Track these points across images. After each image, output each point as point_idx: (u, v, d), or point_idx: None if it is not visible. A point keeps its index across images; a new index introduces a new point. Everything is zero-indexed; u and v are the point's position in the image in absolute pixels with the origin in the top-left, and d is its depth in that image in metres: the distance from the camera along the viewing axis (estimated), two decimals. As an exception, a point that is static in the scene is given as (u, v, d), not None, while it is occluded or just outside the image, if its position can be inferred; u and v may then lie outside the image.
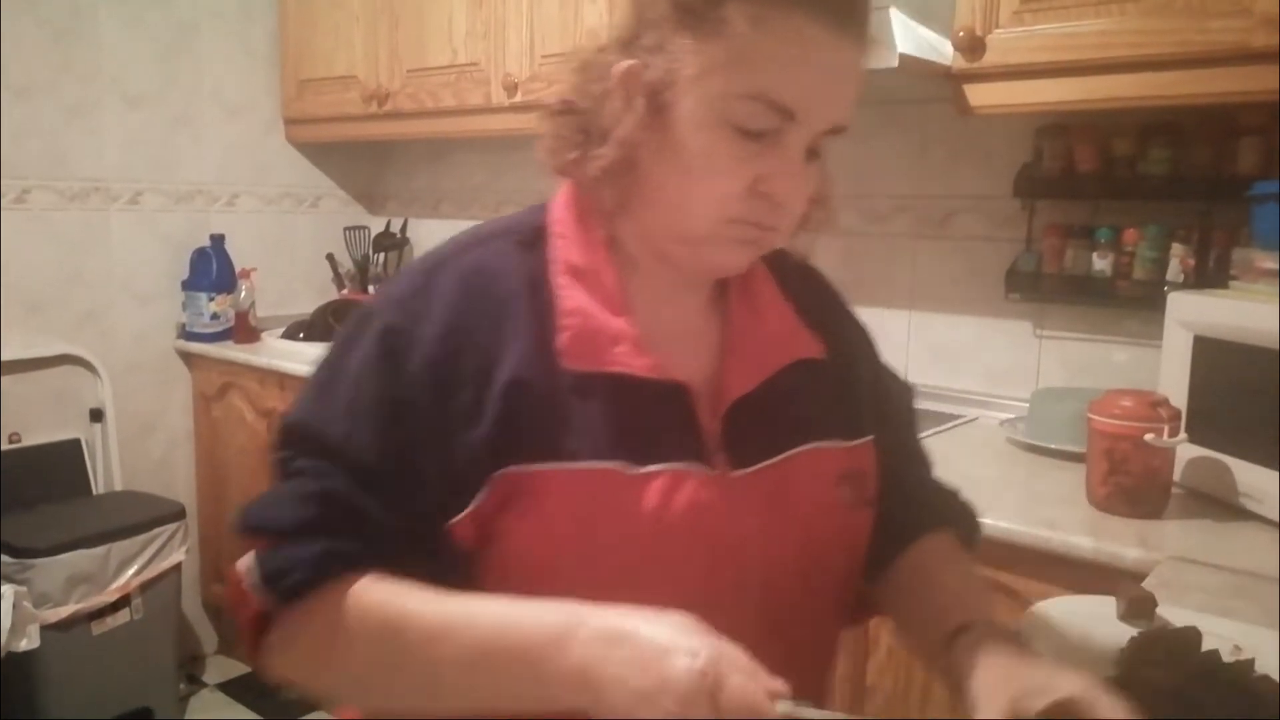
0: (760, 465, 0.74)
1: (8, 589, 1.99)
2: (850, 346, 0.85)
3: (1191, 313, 1.39)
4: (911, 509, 0.84)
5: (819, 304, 0.85)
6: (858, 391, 0.83)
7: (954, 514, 0.88)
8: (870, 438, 0.81)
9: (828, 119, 0.68)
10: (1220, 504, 1.34)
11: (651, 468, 0.69)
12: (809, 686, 0.77)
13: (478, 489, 0.67)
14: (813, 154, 0.70)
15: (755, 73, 0.65)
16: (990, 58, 1.58)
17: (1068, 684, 0.61)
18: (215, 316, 2.70)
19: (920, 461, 0.91)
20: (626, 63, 0.69)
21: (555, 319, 0.71)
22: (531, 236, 0.75)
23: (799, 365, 0.79)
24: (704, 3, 0.66)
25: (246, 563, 0.68)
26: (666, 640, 0.56)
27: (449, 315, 0.70)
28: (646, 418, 0.71)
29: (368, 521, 0.67)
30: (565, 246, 0.74)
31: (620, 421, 0.70)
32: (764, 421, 0.75)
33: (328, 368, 0.73)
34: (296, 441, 0.71)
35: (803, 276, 0.85)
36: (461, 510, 0.67)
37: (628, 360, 0.71)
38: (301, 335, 2.68)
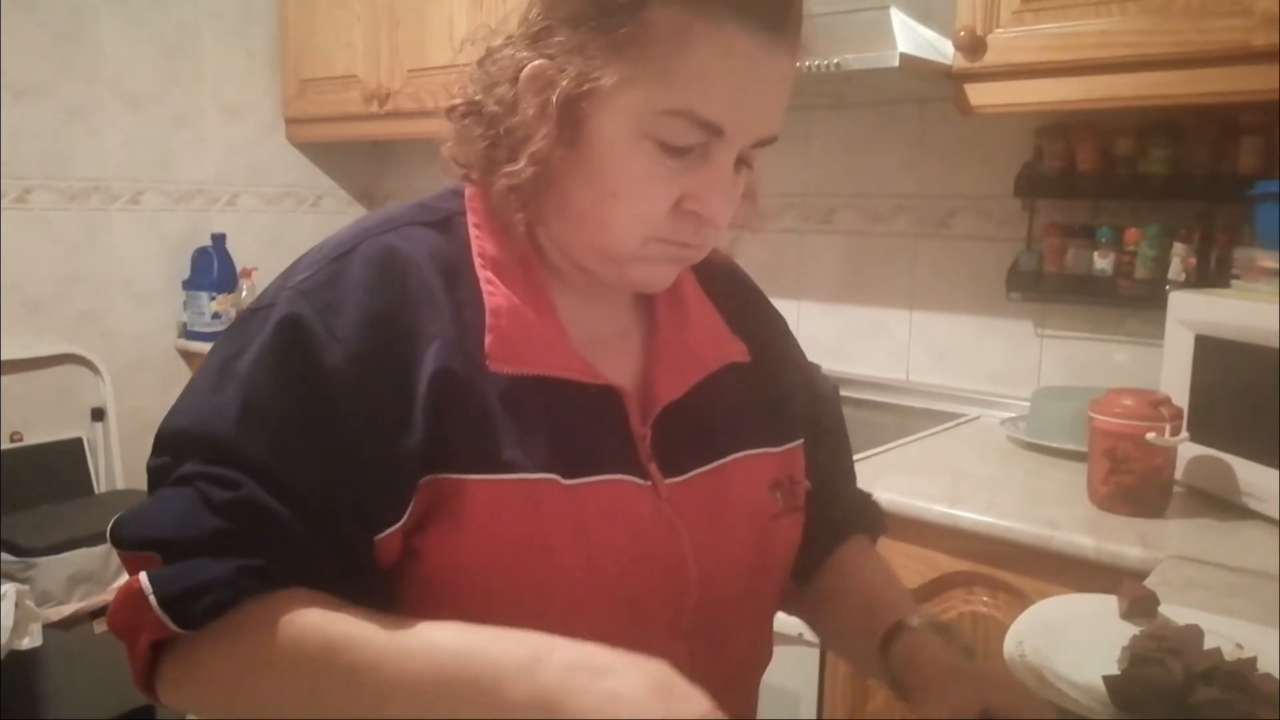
0: (693, 473, 0.71)
1: (10, 588, 1.99)
2: (776, 349, 0.83)
3: (1193, 312, 1.39)
4: (837, 514, 0.85)
5: (743, 306, 0.83)
6: (786, 394, 0.81)
7: (870, 517, 0.90)
8: (799, 442, 0.80)
9: (757, 133, 0.65)
10: (1222, 503, 1.34)
11: (587, 479, 0.65)
12: (744, 687, 0.79)
13: (409, 499, 0.62)
14: (741, 164, 0.66)
15: (682, 88, 0.61)
16: (991, 57, 1.58)
17: (999, 693, 0.64)
18: (216, 316, 2.70)
19: (847, 467, 0.90)
20: (536, 62, 0.64)
21: (478, 315, 0.65)
22: (444, 221, 0.69)
23: (726, 370, 0.76)
24: (624, 5, 0.60)
25: (141, 583, 0.58)
26: (660, 680, 0.51)
27: (368, 303, 0.63)
28: (579, 424, 0.67)
29: (284, 535, 0.59)
30: (482, 238, 0.69)
31: (553, 428, 0.65)
32: (694, 428, 0.73)
33: (216, 369, 0.64)
34: (185, 447, 0.61)
35: (726, 278, 0.83)
36: (394, 523, 0.62)
37: (560, 363, 0.67)
38: (302, 335, 2.67)
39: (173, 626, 0.57)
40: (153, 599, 0.57)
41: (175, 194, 2.72)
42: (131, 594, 0.58)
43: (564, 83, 0.62)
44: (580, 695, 0.50)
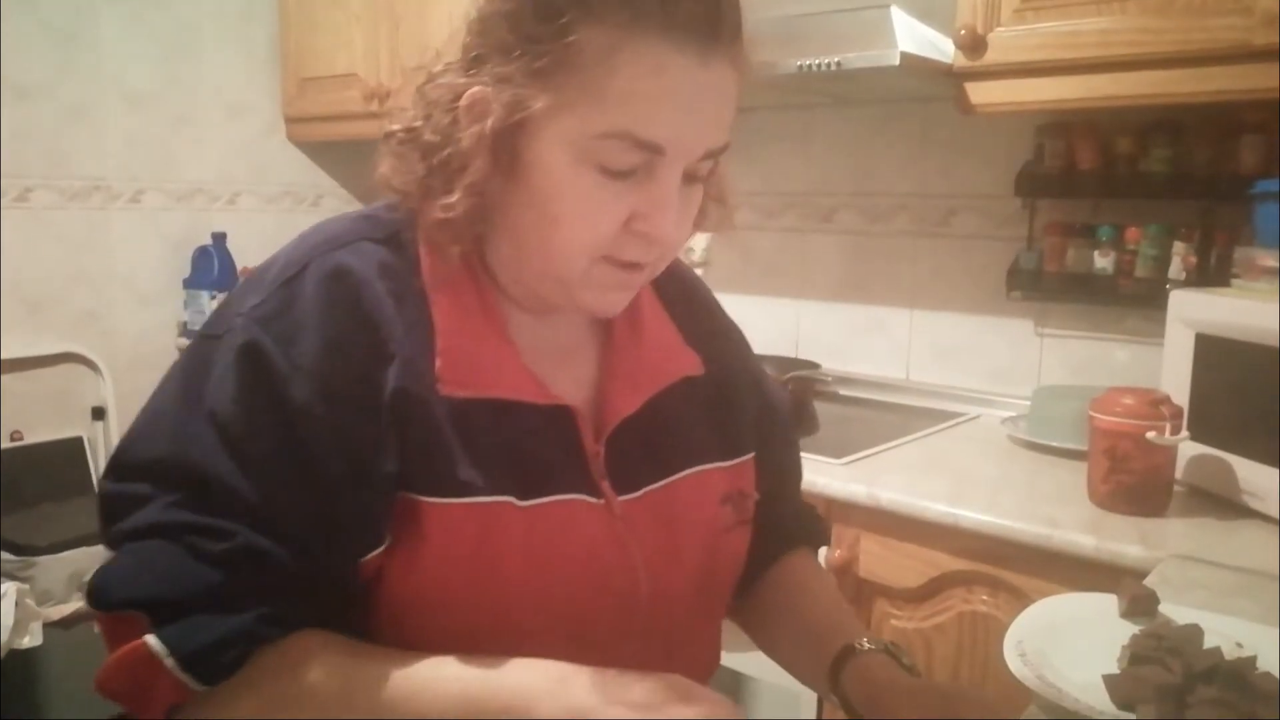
0: (645, 490, 0.72)
1: (10, 587, 1.99)
2: (729, 358, 0.83)
3: (1193, 311, 1.39)
4: (781, 526, 0.85)
5: (696, 314, 0.83)
6: (738, 406, 0.81)
7: (814, 530, 0.91)
8: (750, 455, 0.81)
9: (701, 147, 0.63)
10: (1222, 502, 1.34)
11: (541, 500, 0.66)
12: None
13: (389, 520, 0.62)
14: (692, 178, 0.65)
15: (616, 110, 0.59)
16: (992, 56, 1.58)
17: (956, 709, 0.65)
18: (217, 315, 2.70)
19: (794, 478, 0.91)
20: (472, 90, 0.62)
21: (428, 336, 0.65)
22: (391, 235, 0.68)
23: (680, 383, 0.76)
24: (549, 32, 0.59)
25: (151, 646, 0.57)
26: (682, 688, 0.55)
27: (325, 330, 0.62)
28: (533, 444, 0.67)
29: (283, 576, 0.59)
30: (430, 254, 0.67)
31: (507, 449, 0.65)
32: (647, 443, 0.73)
33: (178, 396, 0.63)
34: (165, 479, 0.60)
35: (680, 285, 0.82)
36: (378, 545, 0.62)
37: (512, 384, 0.67)
38: (303, 334, 2.67)
39: (195, 686, 0.57)
40: (169, 661, 0.56)
41: (175, 193, 2.72)
42: (136, 657, 0.57)
43: (498, 111, 0.61)
44: (611, 708, 0.53)
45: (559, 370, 0.71)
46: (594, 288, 0.66)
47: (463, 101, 0.63)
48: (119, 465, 0.64)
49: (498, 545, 0.64)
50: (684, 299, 0.82)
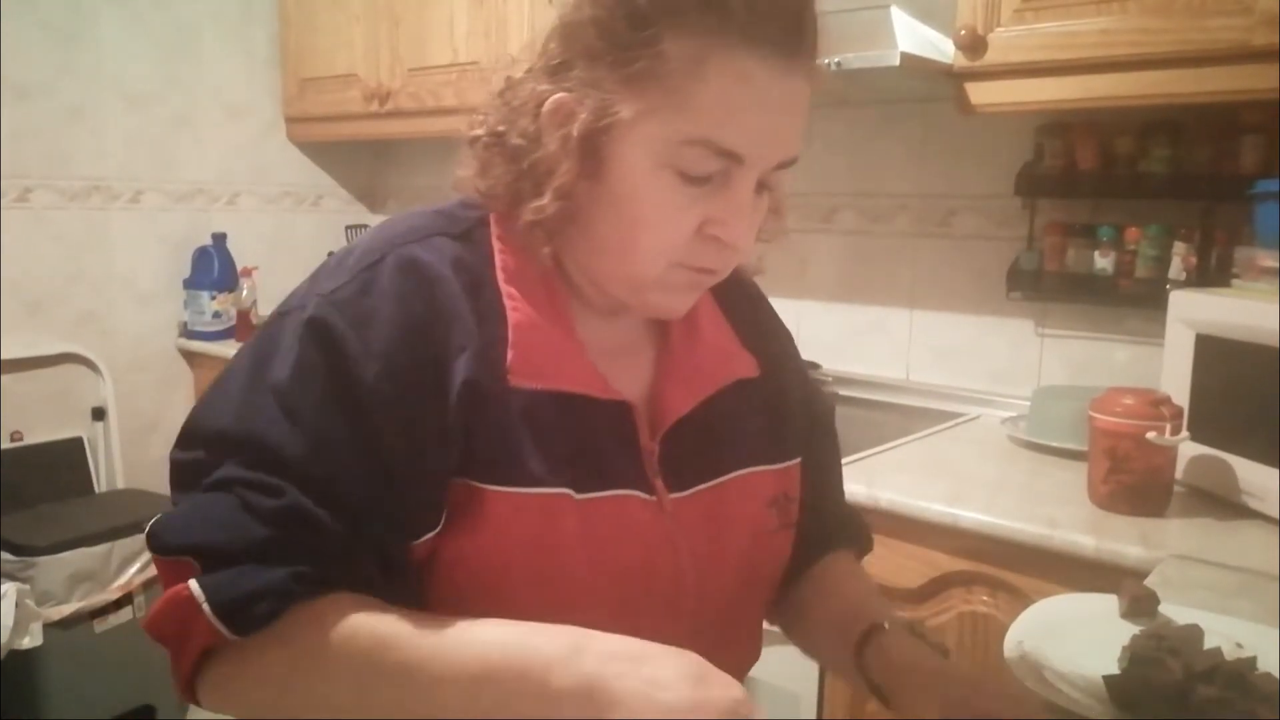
0: (696, 489, 0.73)
1: (10, 587, 2.00)
2: (781, 363, 0.84)
3: (1193, 311, 1.39)
4: (823, 529, 0.86)
5: (753, 319, 0.84)
6: (789, 411, 0.82)
7: (855, 533, 0.91)
8: (798, 460, 0.82)
9: (776, 157, 0.65)
10: (1222, 502, 1.34)
11: (596, 494, 0.68)
12: None
13: (444, 506, 0.64)
14: (762, 187, 0.67)
15: (698, 118, 0.61)
16: (991, 56, 1.58)
17: (983, 695, 0.65)
18: (217, 315, 2.70)
19: (836, 482, 0.92)
20: (557, 95, 0.65)
21: (499, 328, 0.67)
22: (466, 231, 0.70)
23: (735, 385, 0.78)
24: (638, 39, 0.61)
25: (192, 590, 0.59)
26: (694, 667, 0.55)
27: (399, 316, 0.64)
28: (592, 438, 0.69)
29: (329, 542, 0.61)
30: (505, 251, 0.70)
31: (568, 442, 0.67)
32: (701, 443, 0.74)
33: (248, 370, 0.65)
34: (224, 447, 0.63)
35: (739, 290, 0.83)
36: (431, 529, 0.64)
37: (578, 379, 0.69)
38: (303, 334, 2.68)
39: (227, 633, 0.59)
40: (206, 607, 0.58)
41: (175, 193, 2.72)
42: (179, 601, 0.59)
43: (584, 116, 0.63)
44: (620, 681, 0.54)
45: (618, 367, 0.72)
46: (665, 290, 0.68)
47: (546, 107, 0.65)
48: (187, 435, 0.66)
49: (554, 536, 0.65)
50: (741, 302, 0.84)
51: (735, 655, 0.79)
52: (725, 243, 0.66)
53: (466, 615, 0.62)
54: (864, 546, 0.92)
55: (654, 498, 0.71)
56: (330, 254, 0.73)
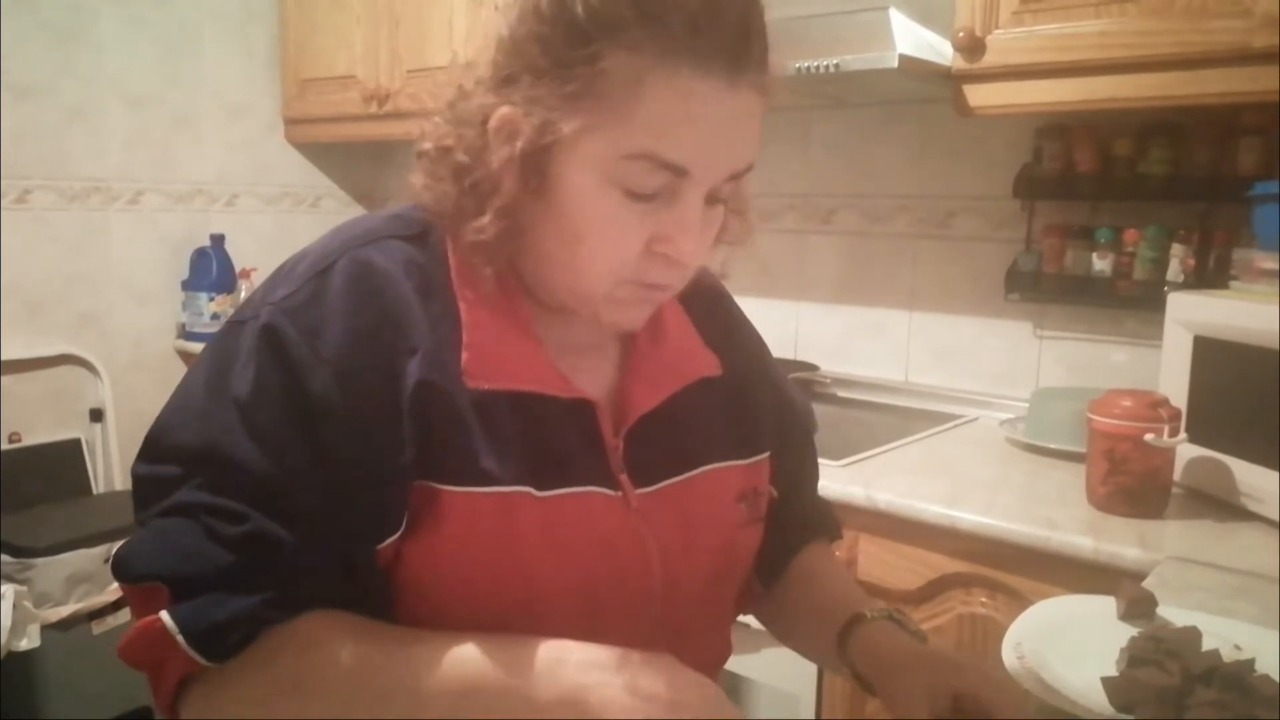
0: (663, 484, 0.73)
1: (8, 588, 1.99)
2: (749, 363, 0.85)
3: (1191, 313, 1.39)
4: (801, 520, 0.88)
5: (718, 320, 0.84)
6: (756, 407, 0.83)
7: (830, 523, 0.93)
8: (766, 454, 0.82)
9: (725, 170, 0.64)
10: (1220, 504, 1.34)
11: (559, 491, 0.67)
12: None
13: (404, 508, 0.64)
14: (714, 199, 0.66)
15: (641, 132, 0.61)
16: (990, 58, 1.58)
17: (967, 679, 0.67)
18: (215, 316, 2.70)
19: (812, 475, 0.93)
20: (502, 111, 0.64)
21: (454, 330, 0.66)
22: (420, 234, 0.70)
23: (699, 384, 0.78)
24: (579, 57, 0.60)
25: (165, 622, 0.59)
26: (669, 671, 0.57)
27: (350, 321, 0.64)
28: (554, 436, 0.68)
29: (294, 563, 0.60)
30: (458, 252, 0.69)
31: (527, 441, 0.67)
32: (667, 439, 0.74)
33: (206, 382, 0.65)
34: (192, 463, 0.62)
35: (704, 292, 0.83)
36: (393, 533, 0.63)
37: (535, 378, 0.68)
38: (302, 335, 2.68)
39: (203, 661, 0.59)
40: (180, 638, 0.58)
41: (175, 194, 2.72)
42: (152, 632, 0.59)
43: (528, 132, 0.62)
44: (601, 690, 0.56)
45: (581, 367, 0.72)
46: (615, 305, 0.68)
47: (492, 123, 0.65)
48: (150, 448, 0.65)
49: (515, 534, 0.65)
50: (705, 303, 0.84)
51: (706, 650, 0.79)
52: (674, 259, 0.65)
53: (434, 615, 0.63)
54: (835, 534, 0.94)
55: (619, 494, 0.71)
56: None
